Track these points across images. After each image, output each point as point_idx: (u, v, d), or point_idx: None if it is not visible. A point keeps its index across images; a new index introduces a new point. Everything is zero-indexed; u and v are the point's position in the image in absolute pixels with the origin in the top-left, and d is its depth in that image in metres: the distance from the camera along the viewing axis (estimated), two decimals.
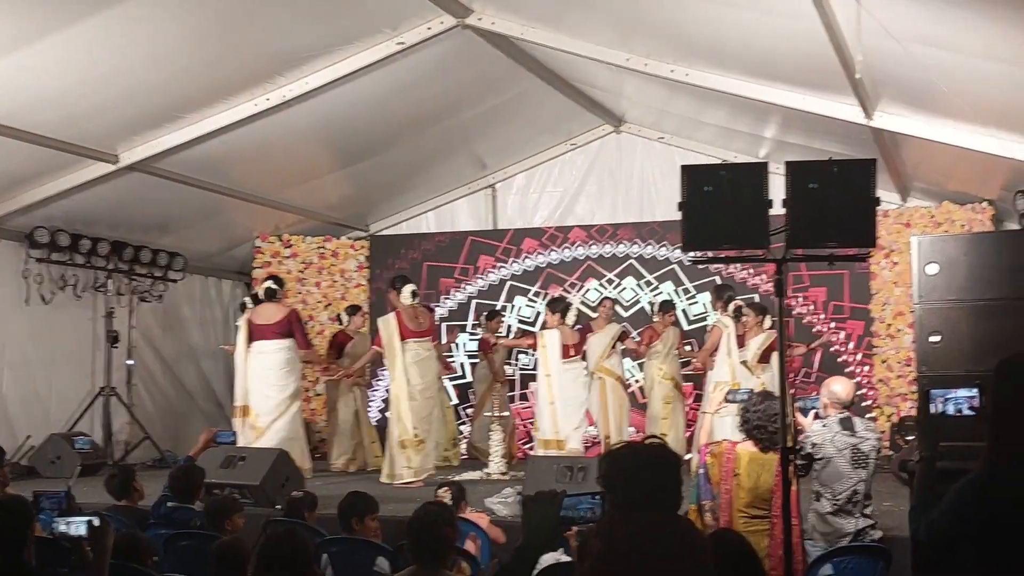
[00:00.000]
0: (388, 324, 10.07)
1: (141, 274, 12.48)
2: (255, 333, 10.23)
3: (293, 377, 10.29)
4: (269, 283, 10.52)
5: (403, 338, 9.99)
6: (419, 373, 10.02)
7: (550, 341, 10.58)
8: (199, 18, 8.18)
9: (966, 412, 3.80)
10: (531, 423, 12.54)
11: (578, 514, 3.21)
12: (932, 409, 3.82)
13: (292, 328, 10.25)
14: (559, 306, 10.82)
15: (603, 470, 3.08)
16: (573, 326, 10.74)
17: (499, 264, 13.48)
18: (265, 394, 10.12)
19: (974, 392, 3.79)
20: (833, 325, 12.19)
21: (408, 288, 10.12)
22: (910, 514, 3.70)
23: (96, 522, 4.14)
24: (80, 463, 10.24)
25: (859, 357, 12.07)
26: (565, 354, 10.58)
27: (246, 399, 10.18)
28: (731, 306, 10.46)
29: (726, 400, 6.59)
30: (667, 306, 11.67)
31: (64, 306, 11.66)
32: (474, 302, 13.50)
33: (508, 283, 13.43)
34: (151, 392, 12.90)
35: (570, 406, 10.48)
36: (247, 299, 10.88)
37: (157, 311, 12.97)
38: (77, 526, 4.12)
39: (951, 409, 3.81)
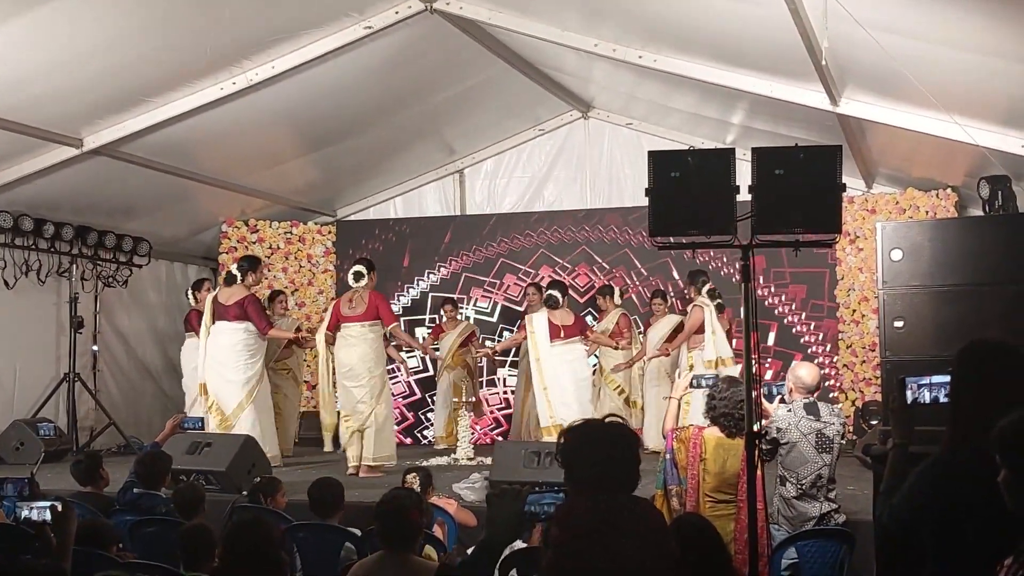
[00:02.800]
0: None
1: (106, 259, 12.38)
2: (217, 313, 10.17)
3: (249, 362, 10.06)
4: (232, 266, 10.55)
5: (338, 323, 9.97)
6: (344, 357, 9.90)
7: (538, 325, 10.29)
8: (165, 1, 8.11)
9: (943, 399, 3.82)
10: (498, 409, 12.62)
11: (542, 509, 3.22)
12: (908, 397, 3.85)
13: (247, 312, 10.05)
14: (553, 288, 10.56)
15: (559, 446, 3.10)
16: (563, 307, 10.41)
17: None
18: (226, 378, 10.00)
19: (948, 378, 3.81)
20: (812, 326, 12.24)
21: (351, 271, 10.14)
22: (879, 499, 3.73)
23: (59, 507, 4.12)
24: (44, 449, 10.18)
25: (827, 348, 12.15)
26: (555, 336, 10.26)
27: (204, 378, 10.15)
28: (705, 289, 10.62)
29: (691, 385, 6.62)
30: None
31: (28, 291, 11.55)
32: (465, 275, 13.49)
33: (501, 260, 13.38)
34: (116, 378, 12.82)
35: (564, 391, 10.11)
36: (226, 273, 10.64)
37: (122, 296, 12.88)
38: (40, 512, 4.10)
39: (927, 397, 3.84)
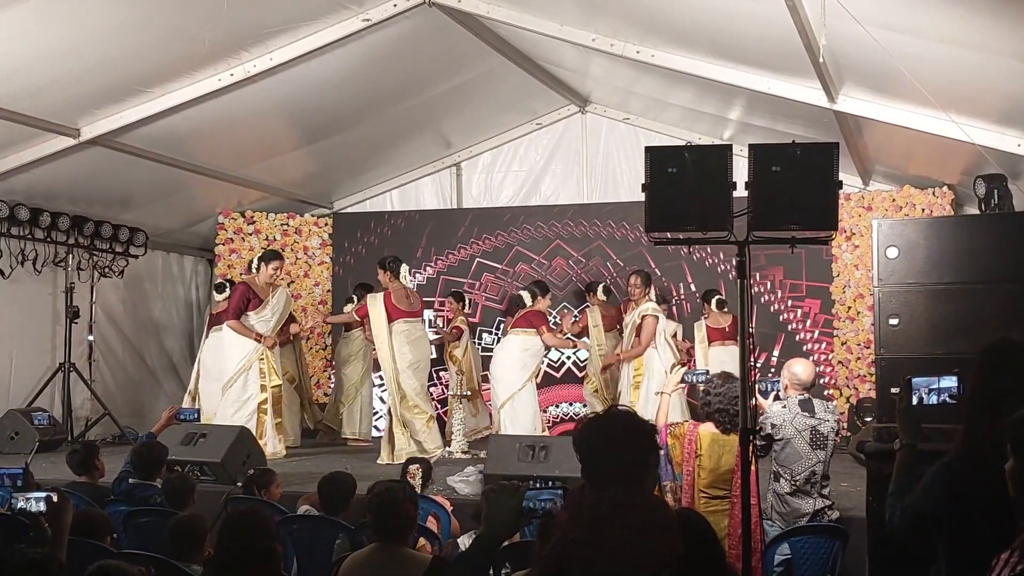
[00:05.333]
0: (377, 304, 10.30)
1: (102, 249, 12.36)
2: None
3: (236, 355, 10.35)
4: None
5: (392, 318, 10.29)
6: (411, 351, 10.30)
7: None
8: None
9: (946, 400, 3.84)
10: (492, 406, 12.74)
11: (539, 505, 3.23)
12: (914, 399, 3.86)
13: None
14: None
15: (575, 438, 3.12)
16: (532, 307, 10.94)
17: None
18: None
19: (954, 381, 3.82)
20: (816, 333, 12.25)
21: (404, 268, 10.59)
22: (887, 500, 3.73)
23: (55, 498, 4.12)
24: (38, 439, 10.18)
25: (816, 335, 12.16)
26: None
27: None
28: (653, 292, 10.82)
29: (683, 380, 6.63)
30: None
31: (24, 281, 11.53)
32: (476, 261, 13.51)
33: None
34: (112, 368, 12.81)
35: (497, 368, 10.96)
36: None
37: (118, 287, 12.87)
38: (36, 502, 4.09)
39: (934, 400, 3.85)
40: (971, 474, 3.35)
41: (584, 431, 3.11)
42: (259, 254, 10.88)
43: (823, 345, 12.11)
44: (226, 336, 10.36)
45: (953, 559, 3.43)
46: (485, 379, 11.91)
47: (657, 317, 10.42)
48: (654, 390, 9.78)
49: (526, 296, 10.90)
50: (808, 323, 12.21)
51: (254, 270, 10.56)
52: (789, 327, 12.25)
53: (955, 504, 3.37)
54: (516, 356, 10.82)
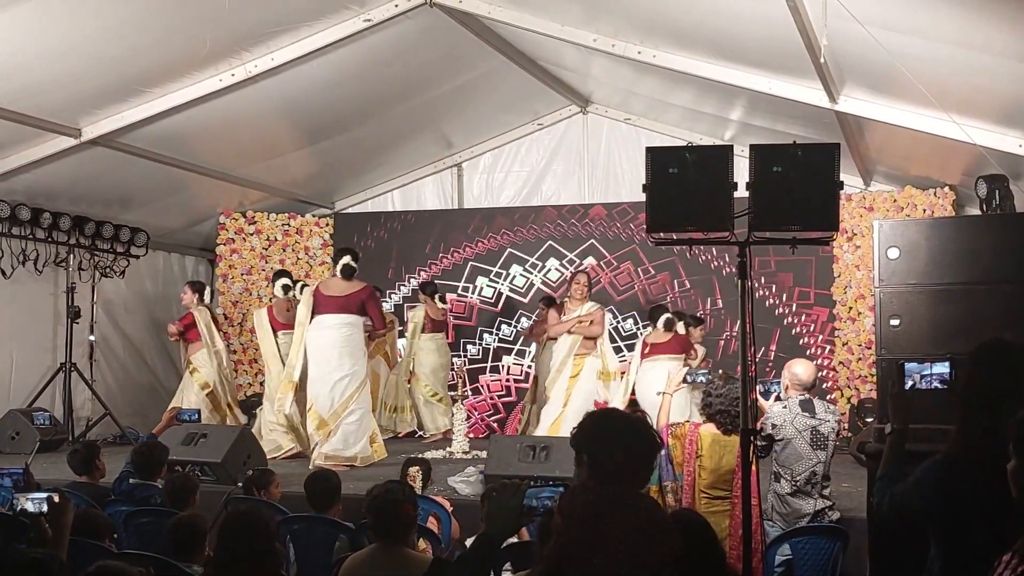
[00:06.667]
0: (260, 318, 10.91)
1: (103, 249, 12.39)
2: (320, 305, 9.76)
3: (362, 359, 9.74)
4: (346, 259, 9.90)
5: (274, 331, 10.77)
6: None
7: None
8: None
9: (937, 385, 3.87)
10: (498, 396, 12.74)
11: (541, 503, 3.23)
12: (908, 384, 3.88)
13: (366, 307, 9.74)
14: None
15: (578, 430, 3.12)
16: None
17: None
18: (331, 376, 9.57)
19: (946, 367, 3.84)
20: (795, 307, 12.26)
21: (280, 282, 11.07)
22: (876, 484, 3.74)
23: (55, 498, 4.12)
24: (39, 439, 10.18)
25: (820, 340, 12.16)
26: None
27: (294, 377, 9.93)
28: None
29: (684, 381, 6.63)
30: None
31: (25, 281, 11.55)
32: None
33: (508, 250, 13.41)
34: (113, 368, 12.83)
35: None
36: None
37: (119, 287, 12.89)
38: (37, 502, 4.09)
39: (925, 384, 3.88)
40: (967, 473, 3.35)
41: (588, 426, 3.11)
42: (345, 256, 9.96)
43: (826, 349, 12.12)
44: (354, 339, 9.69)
45: (948, 558, 3.43)
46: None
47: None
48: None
49: (680, 326, 10.75)
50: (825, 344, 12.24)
51: (352, 273, 9.78)
52: (793, 331, 12.27)
53: (949, 503, 3.37)
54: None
